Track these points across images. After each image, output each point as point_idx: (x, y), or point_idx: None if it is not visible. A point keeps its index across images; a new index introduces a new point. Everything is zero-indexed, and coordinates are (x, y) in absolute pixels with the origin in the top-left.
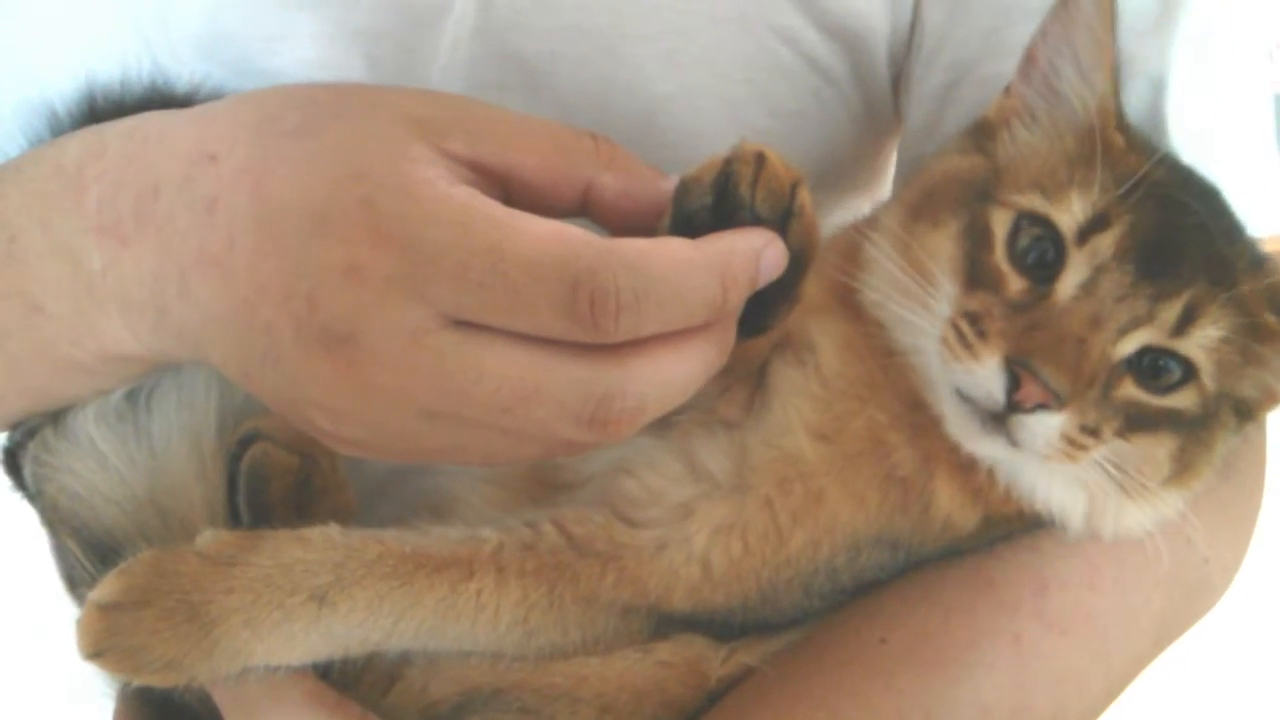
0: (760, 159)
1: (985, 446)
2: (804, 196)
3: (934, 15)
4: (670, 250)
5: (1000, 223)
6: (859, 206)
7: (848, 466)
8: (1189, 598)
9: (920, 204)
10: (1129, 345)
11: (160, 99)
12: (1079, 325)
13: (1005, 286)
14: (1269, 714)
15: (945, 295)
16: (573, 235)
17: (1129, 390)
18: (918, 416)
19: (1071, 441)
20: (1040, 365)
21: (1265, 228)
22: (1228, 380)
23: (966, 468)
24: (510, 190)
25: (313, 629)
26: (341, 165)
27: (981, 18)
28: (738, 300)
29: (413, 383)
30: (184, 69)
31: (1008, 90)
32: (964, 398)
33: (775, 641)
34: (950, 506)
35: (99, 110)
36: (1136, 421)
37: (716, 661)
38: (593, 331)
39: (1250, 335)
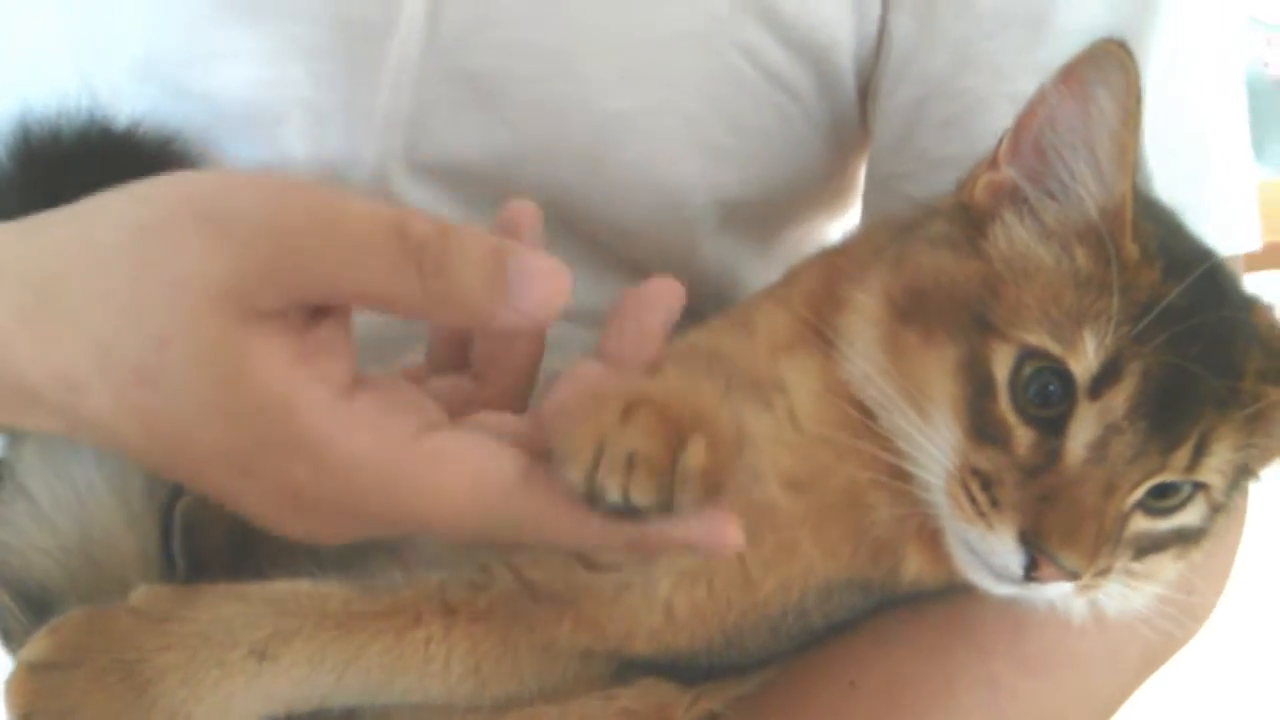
0: (629, 463)
1: (1000, 589)
2: (693, 458)
3: (902, 27)
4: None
5: (1002, 364)
6: (826, 224)
7: (823, 519)
8: (1176, 624)
9: (908, 306)
10: (1140, 493)
11: (98, 132)
12: (1093, 496)
13: (1013, 442)
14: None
15: (946, 439)
16: (495, 491)
17: (1140, 525)
18: (899, 482)
19: (1085, 587)
20: (1058, 550)
21: (1241, 245)
22: (1236, 475)
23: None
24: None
25: (254, 685)
26: (225, 434)
27: (952, 29)
28: None
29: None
30: (120, 93)
31: (995, 164)
32: (975, 554)
33: (742, 685)
34: (920, 570)
35: (34, 142)
36: (1146, 548)
37: (682, 709)
38: None
39: (1258, 428)
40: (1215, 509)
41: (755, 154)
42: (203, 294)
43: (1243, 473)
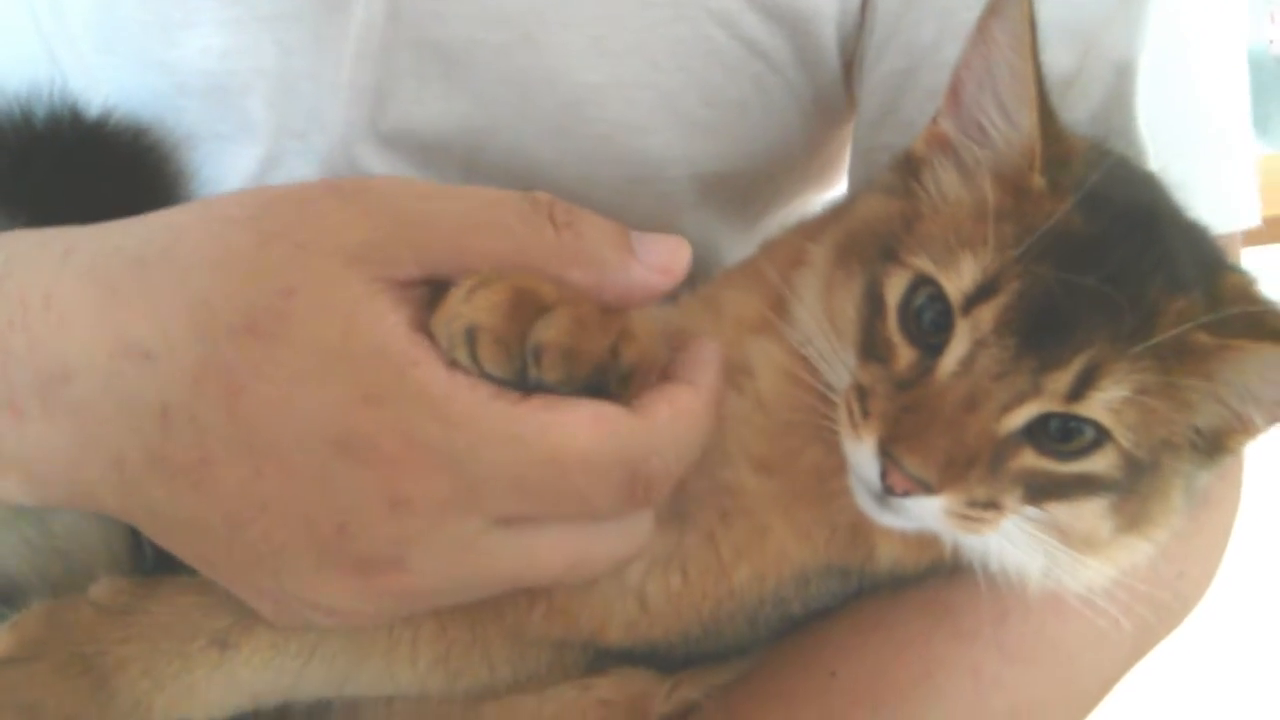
0: (471, 335)
1: (885, 519)
2: (545, 331)
3: None
4: (686, 408)
5: (895, 287)
6: (812, 199)
7: (794, 502)
8: (1162, 614)
9: (844, 247)
10: (1017, 419)
11: (70, 116)
12: (951, 408)
13: (895, 359)
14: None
15: (848, 362)
16: (616, 423)
17: (1028, 460)
18: None
19: (965, 517)
20: (903, 455)
21: (1239, 222)
22: (1159, 428)
23: None
24: None
25: (216, 675)
26: (339, 381)
27: None
28: None
29: (457, 582)
30: (85, 64)
31: (934, 120)
32: (853, 470)
33: (721, 673)
34: (895, 554)
35: (3, 120)
36: (1044, 490)
37: (660, 697)
38: (644, 505)
39: (1176, 369)
40: (1135, 465)
41: (732, 126)
42: (336, 255)
43: (1211, 441)
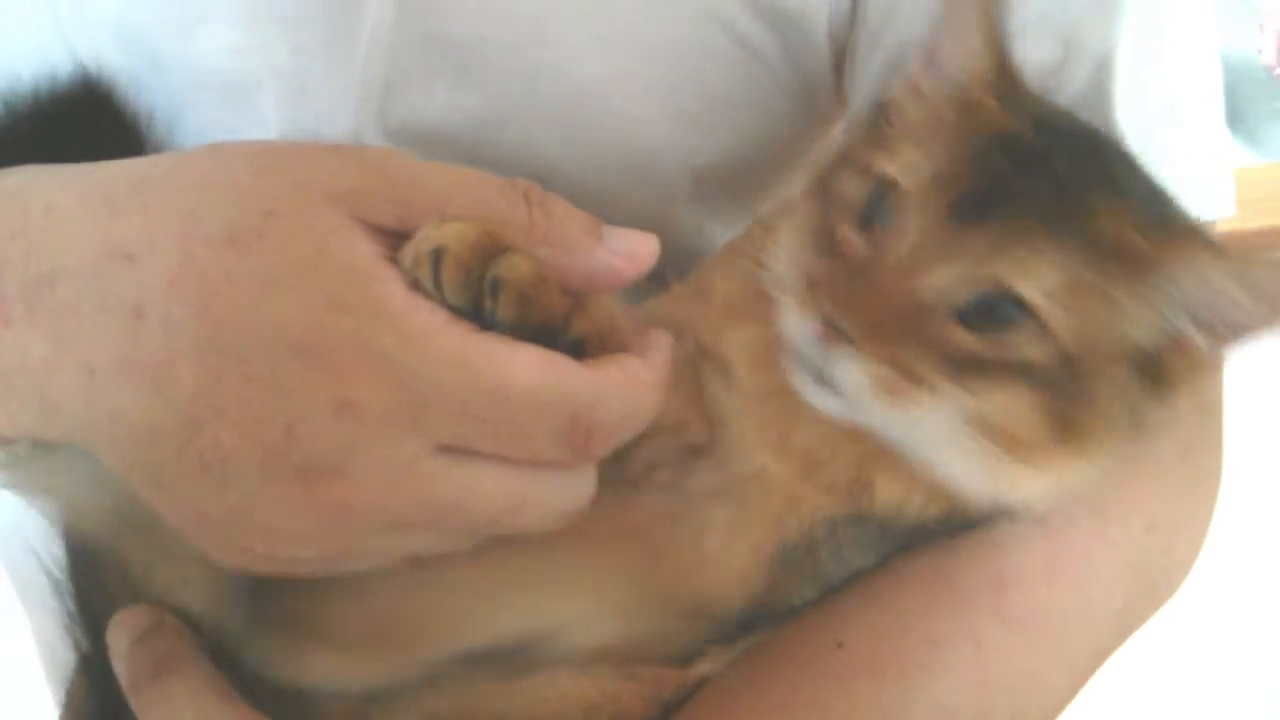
0: (437, 256)
1: (819, 398)
2: (506, 267)
3: None
4: (635, 374)
5: (847, 184)
6: None
7: (811, 474)
8: (1153, 586)
9: (814, 180)
10: (950, 295)
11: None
12: (887, 278)
13: (844, 251)
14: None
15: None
16: (565, 367)
17: (956, 336)
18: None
19: (887, 385)
20: (832, 308)
21: (1215, 211)
22: (1092, 327)
23: (897, 460)
24: None
25: None
26: (306, 291)
27: None
28: None
29: (396, 505)
30: (104, 60)
31: (907, 74)
32: (794, 353)
33: (735, 647)
34: (895, 496)
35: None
36: (973, 371)
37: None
38: (584, 457)
39: (1112, 268)
40: (1067, 360)
41: (723, 120)
42: (322, 193)
43: (1153, 366)
